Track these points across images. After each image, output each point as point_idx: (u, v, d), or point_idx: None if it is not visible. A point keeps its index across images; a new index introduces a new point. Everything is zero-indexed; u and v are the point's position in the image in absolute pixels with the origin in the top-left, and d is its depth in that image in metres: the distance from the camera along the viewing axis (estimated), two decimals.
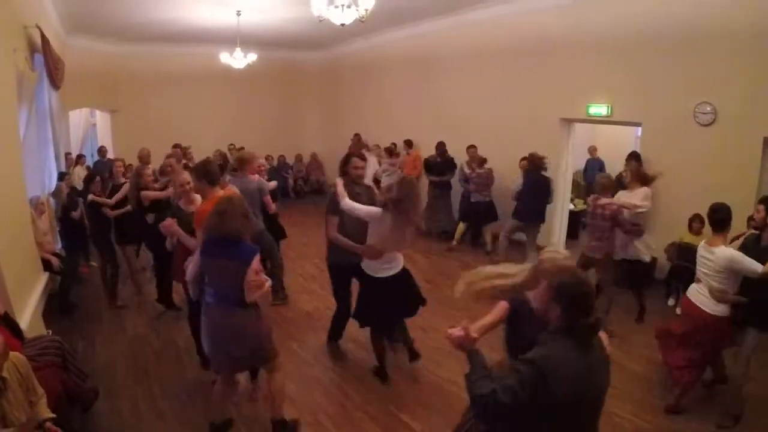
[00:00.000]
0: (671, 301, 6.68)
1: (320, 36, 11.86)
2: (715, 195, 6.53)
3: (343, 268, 4.65)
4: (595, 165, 11.65)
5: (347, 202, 4.14)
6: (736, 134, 6.56)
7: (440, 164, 9.93)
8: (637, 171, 6.63)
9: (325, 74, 14.82)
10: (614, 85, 7.87)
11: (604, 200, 5.65)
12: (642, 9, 7.29)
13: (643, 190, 6.33)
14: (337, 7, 6.47)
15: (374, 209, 4.07)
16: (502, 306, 2.64)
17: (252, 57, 10.41)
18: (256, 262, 3.25)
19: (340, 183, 4.38)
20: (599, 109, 8.13)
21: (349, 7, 6.48)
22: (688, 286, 6.44)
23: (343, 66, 14.10)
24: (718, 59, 6.63)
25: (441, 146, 9.87)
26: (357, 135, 12.71)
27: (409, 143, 11.19)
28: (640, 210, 6.25)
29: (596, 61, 7.99)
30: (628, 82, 7.67)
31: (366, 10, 6.51)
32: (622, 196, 6.32)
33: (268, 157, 12.61)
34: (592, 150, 11.67)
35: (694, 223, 6.51)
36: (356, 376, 4.70)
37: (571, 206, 9.76)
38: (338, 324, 5.13)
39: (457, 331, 2.24)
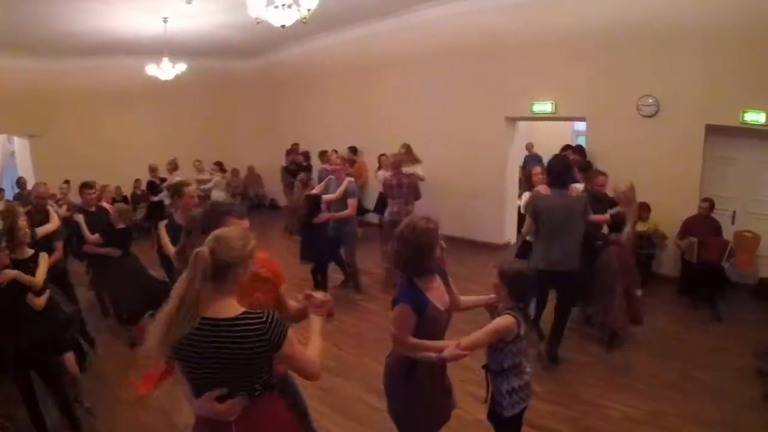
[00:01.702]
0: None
1: (254, 42, 11.43)
2: (661, 182, 6.94)
3: None
4: (533, 160, 11.85)
5: None
6: (679, 124, 6.90)
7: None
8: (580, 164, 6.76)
9: (260, 83, 14.11)
10: (558, 82, 8.05)
11: None
12: (583, 7, 7.49)
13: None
14: (276, 7, 6.13)
15: None
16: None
17: (181, 67, 9.79)
18: None
19: None
20: (543, 107, 8.29)
21: (289, 6, 6.16)
22: (645, 270, 6.72)
23: (280, 74, 13.54)
24: (659, 53, 6.94)
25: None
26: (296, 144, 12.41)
27: (353, 150, 10.96)
28: None
29: (540, 59, 8.12)
30: (571, 79, 7.86)
31: (308, 10, 6.23)
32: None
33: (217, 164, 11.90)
34: (530, 146, 11.85)
35: (643, 209, 6.74)
36: None
37: (519, 202, 9.80)
38: None
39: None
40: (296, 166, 11.20)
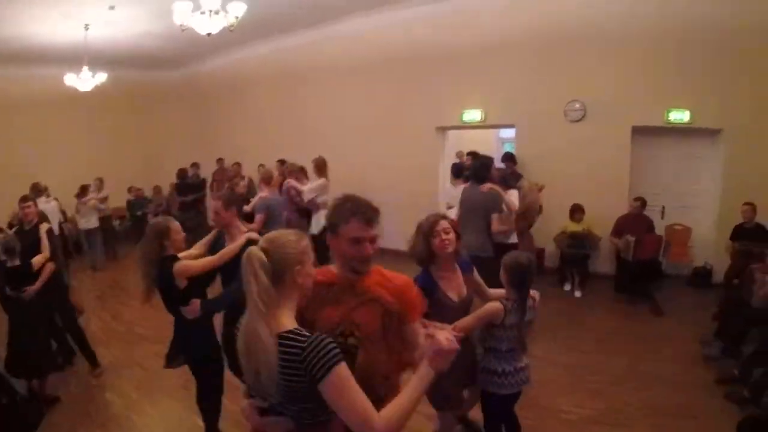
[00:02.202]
0: (567, 286, 6.95)
1: (179, 52, 10.90)
2: (592, 184, 7.13)
3: None
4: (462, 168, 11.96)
5: None
6: (606, 127, 7.14)
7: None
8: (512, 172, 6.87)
9: (186, 94, 13.44)
10: (487, 90, 8.13)
11: None
12: (510, 16, 7.60)
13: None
14: (203, 13, 5.84)
15: None
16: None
17: (101, 77, 9.15)
18: None
19: None
20: (473, 115, 8.34)
21: (216, 13, 5.88)
22: (582, 270, 6.88)
23: (207, 84, 12.92)
24: (585, 59, 7.17)
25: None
26: (220, 161, 11.66)
27: (282, 163, 9.94)
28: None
29: (468, 68, 8.17)
30: (500, 87, 7.96)
31: (236, 17, 5.98)
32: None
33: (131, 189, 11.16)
34: (460, 155, 11.89)
35: (576, 211, 6.92)
36: None
37: (452, 213, 9.77)
38: None
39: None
40: (185, 186, 10.52)
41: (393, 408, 1.51)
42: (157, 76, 13.02)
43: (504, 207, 5.12)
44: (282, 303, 1.57)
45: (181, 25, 5.97)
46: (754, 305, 4.68)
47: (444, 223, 2.69)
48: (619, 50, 6.89)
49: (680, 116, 6.66)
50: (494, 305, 2.75)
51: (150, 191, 11.97)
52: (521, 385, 2.87)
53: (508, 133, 13.39)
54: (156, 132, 13.37)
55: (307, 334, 1.52)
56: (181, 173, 10.70)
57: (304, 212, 6.94)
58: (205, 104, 13.08)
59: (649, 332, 5.39)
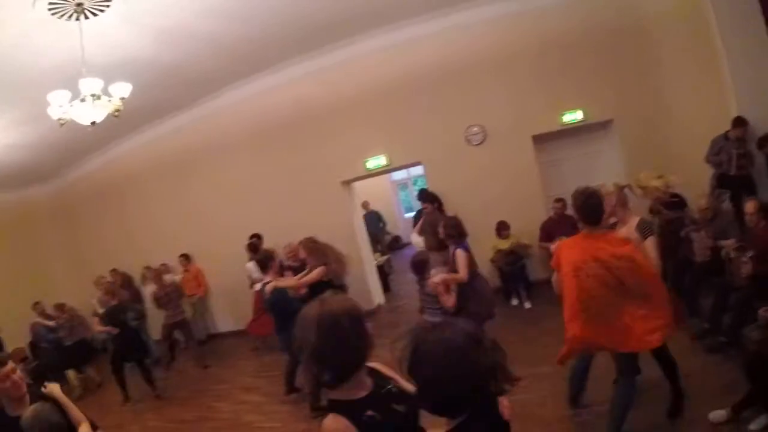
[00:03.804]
0: (515, 301, 6.99)
1: (47, 161, 9.86)
2: (508, 199, 7.36)
3: None
4: (373, 217, 12.04)
5: None
6: (507, 142, 7.51)
7: None
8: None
9: (62, 209, 11.81)
10: (387, 134, 8.17)
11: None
12: (392, 63, 7.82)
13: None
14: (83, 100, 5.34)
15: None
16: None
17: None
18: None
19: None
20: (377, 161, 8.33)
21: (99, 97, 5.41)
22: (524, 281, 6.99)
23: (84, 191, 11.30)
24: (476, 86, 7.56)
25: None
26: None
27: (186, 257, 9.59)
28: None
29: (364, 116, 8.19)
30: (400, 128, 8.07)
31: (121, 99, 5.55)
32: None
33: None
34: (366, 204, 11.96)
35: (502, 227, 7.07)
36: None
37: (375, 261, 9.67)
38: None
39: None
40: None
41: None
42: (27, 194, 11.54)
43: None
44: None
45: (59, 120, 5.42)
46: (698, 260, 4.96)
47: None
48: (508, 70, 7.36)
49: (574, 116, 7.20)
50: None
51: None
52: None
53: (400, 174, 13.74)
54: (32, 259, 11.55)
55: None
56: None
57: None
58: (84, 215, 11.56)
59: None
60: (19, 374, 2.72)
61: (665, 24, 6.86)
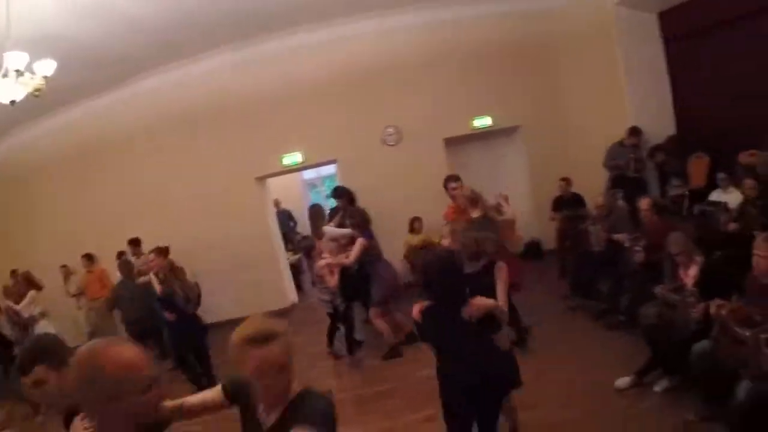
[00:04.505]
0: None
1: None
2: (419, 197, 7.71)
3: None
4: (284, 216, 12.03)
5: None
6: (421, 144, 7.91)
7: None
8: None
9: None
10: (305, 131, 8.17)
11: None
12: (316, 60, 7.89)
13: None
14: (5, 75, 5.00)
15: None
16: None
17: None
18: None
19: None
20: (293, 158, 8.29)
21: (22, 74, 5.07)
22: None
23: None
24: (393, 89, 7.88)
25: None
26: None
27: (89, 258, 8.32)
28: None
29: (281, 113, 8.11)
30: (317, 126, 8.11)
31: (44, 77, 5.24)
32: None
33: None
34: (277, 202, 11.90)
35: (415, 223, 7.48)
36: None
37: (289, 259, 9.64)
38: None
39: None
40: None
41: None
42: None
43: None
44: None
45: None
46: (595, 250, 5.71)
47: None
48: (426, 75, 7.76)
49: (483, 122, 7.80)
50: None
51: None
52: None
53: (310, 174, 13.73)
54: None
55: None
56: None
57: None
58: None
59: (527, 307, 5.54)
60: None
61: (571, 41, 7.65)
